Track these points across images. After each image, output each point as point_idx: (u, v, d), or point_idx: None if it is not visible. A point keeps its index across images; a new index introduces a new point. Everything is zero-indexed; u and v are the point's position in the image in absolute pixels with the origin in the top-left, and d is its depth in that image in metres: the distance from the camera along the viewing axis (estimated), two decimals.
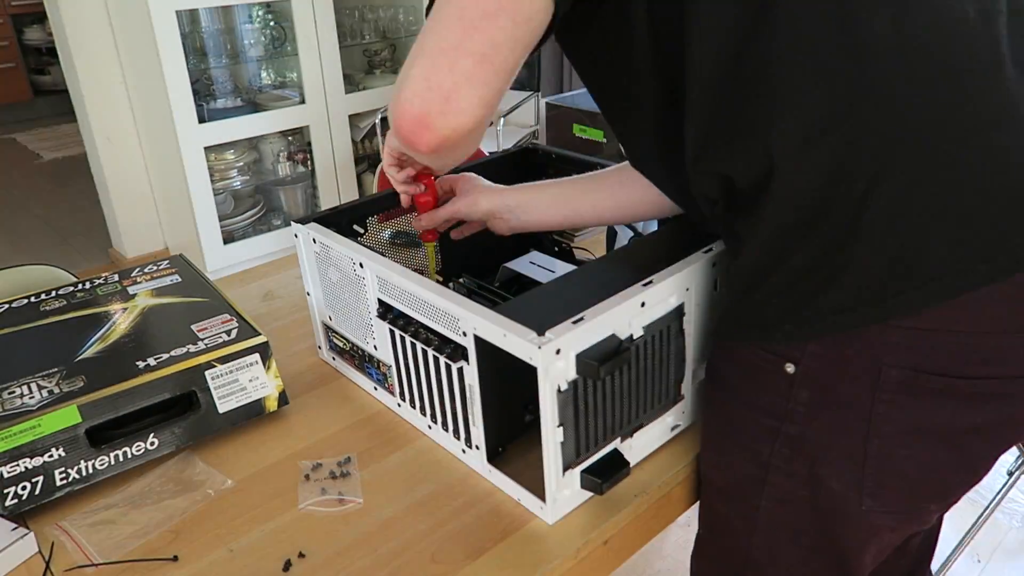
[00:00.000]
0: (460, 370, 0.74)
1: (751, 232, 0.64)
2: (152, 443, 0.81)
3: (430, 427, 0.84)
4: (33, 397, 0.78)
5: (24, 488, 0.75)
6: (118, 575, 0.69)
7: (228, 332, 0.89)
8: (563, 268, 0.96)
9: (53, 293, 1.00)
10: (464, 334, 0.71)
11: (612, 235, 1.02)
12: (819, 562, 0.72)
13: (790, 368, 0.64)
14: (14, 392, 0.79)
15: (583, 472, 0.72)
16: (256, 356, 0.87)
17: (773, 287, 0.63)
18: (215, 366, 0.85)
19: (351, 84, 3.19)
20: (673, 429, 0.81)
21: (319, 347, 1.01)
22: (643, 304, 0.71)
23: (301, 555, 0.70)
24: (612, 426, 0.73)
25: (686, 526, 1.80)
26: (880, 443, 0.63)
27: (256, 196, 3.19)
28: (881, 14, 0.56)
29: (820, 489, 0.67)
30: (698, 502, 0.82)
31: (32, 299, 0.99)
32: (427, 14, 0.61)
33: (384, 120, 3.05)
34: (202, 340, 0.88)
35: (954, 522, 1.79)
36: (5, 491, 0.74)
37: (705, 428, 0.79)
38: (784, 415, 0.66)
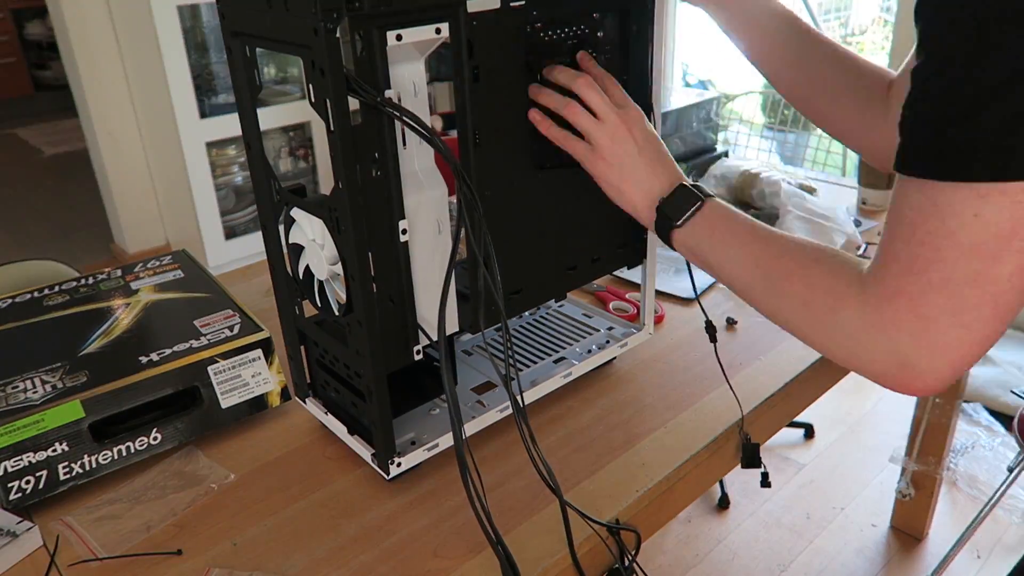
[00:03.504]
0: None
1: None
2: (155, 438, 0.82)
3: None
4: (36, 392, 0.78)
5: (28, 482, 0.75)
6: (122, 569, 0.70)
7: (231, 327, 0.89)
8: None
9: (56, 288, 1.00)
10: None
11: None
12: None
13: None
14: (17, 387, 0.79)
15: None
16: (259, 351, 0.88)
17: None
18: (218, 361, 0.85)
19: None
20: None
21: None
22: None
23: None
24: None
25: (686, 522, 1.81)
26: None
27: None
28: None
29: None
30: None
31: (35, 294, 0.99)
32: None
33: None
34: (205, 335, 0.88)
35: (954, 518, 1.80)
36: (9, 485, 0.74)
37: None
38: None
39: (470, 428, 0.79)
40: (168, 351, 0.85)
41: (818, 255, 0.60)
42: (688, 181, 0.70)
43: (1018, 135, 0.44)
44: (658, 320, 1.05)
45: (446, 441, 0.77)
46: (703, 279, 1.16)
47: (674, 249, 0.71)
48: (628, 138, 0.71)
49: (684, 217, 0.68)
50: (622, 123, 0.71)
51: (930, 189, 0.48)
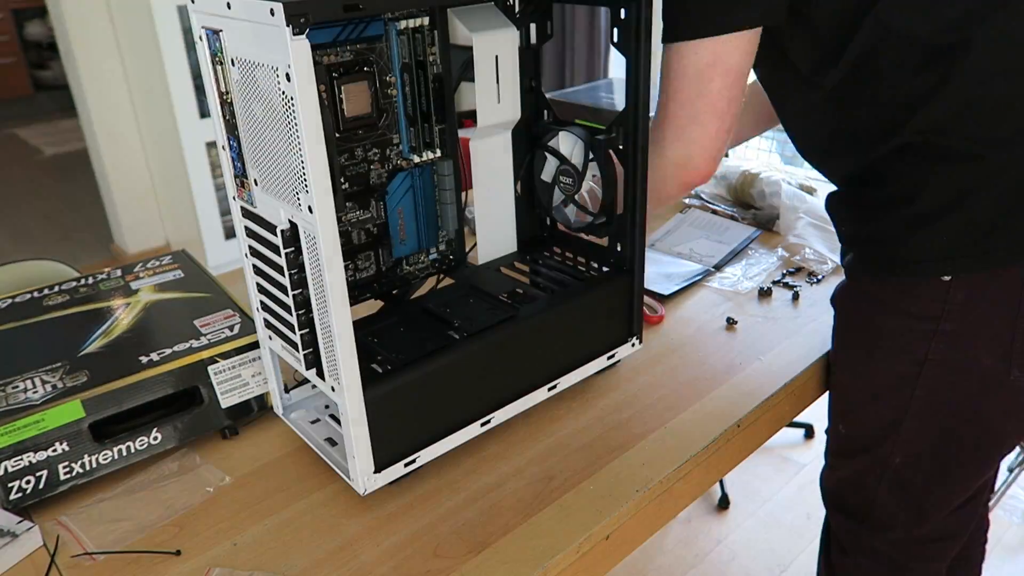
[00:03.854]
0: None
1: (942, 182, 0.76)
2: (155, 438, 0.82)
3: None
4: (37, 392, 0.78)
5: (28, 482, 0.75)
6: (121, 568, 0.70)
7: (231, 327, 0.89)
8: None
9: (56, 288, 1.00)
10: None
11: None
12: (969, 436, 0.85)
13: (946, 277, 0.77)
14: (18, 387, 0.79)
15: None
16: (259, 351, 0.87)
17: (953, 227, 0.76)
18: (218, 361, 0.85)
19: None
20: None
21: None
22: None
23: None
24: None
25: (687, 522, 1.81)
26: None
27: None
28: None
29: (973, 370, 0.80)
30: (829, 419, 0.97)
31: (35, 294, 0.99)
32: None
33: None
34: (205, 335, 0.88)
35: None
36: (9, 485, 0.74)
37: (847, 342, 0.91)
38: (941, 316, 0.79)
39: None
40: (168, 351, 0.85)
41: None
42: None
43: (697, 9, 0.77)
44: (658, 321, 1.05)
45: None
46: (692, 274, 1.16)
47: None
48: None
49: None
50: None
51: (670, 50, 0.80)
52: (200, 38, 0.68)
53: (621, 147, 0.83)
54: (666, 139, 0.83)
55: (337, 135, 0.75)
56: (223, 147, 0.73)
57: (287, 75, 0.57)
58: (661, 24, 0.79)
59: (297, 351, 0.71)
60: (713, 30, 0.76)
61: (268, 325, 0.77)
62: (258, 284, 0.75)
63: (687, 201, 1.41)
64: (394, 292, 0.87)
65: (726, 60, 0.78)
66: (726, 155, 1.52)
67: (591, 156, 0.86)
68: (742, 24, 0.77)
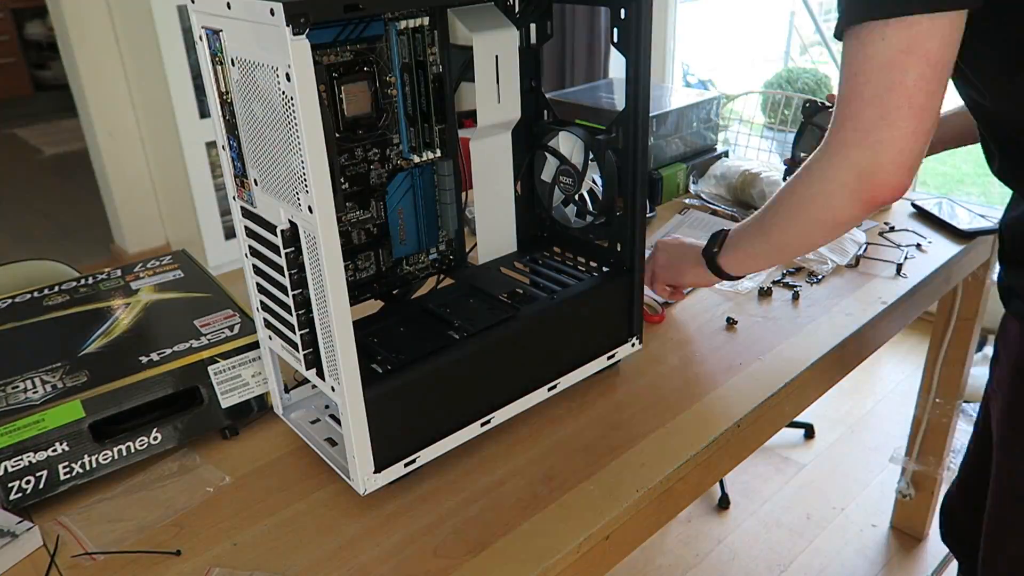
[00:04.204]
0: None
1: None
2: (155, 438, 0.82)
3: None
4: (37, 392, 0.78)
5: (28, 482, 0.75)
6: (121, 568, 0.70)
7: (231, 327, 0.89)
8: None
9: (56, 288, 1.00)
10: None
11: None
12: None
13: None
14: (18, 387, 0.79)
15: None
16: (259, 351, 0.87)
17: None
18: (218, 361, 0.85)
19: None
20: None
21: None
22: None
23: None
24: None
25: (687, 522, 1.81)
26: None
27: None
28: None
29: None
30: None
31: (35, 294, 0.99)
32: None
33: None
34: (205, 335, 0.88)
35: None
36: (9, 485, 0.74)
37: None
38: None
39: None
40: (168, 351, 0.85)
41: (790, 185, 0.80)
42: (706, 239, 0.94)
43: None
44: (659, 320, 1.05)
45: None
46: None
47: (731, 274, 0.93)
48: (666, 267, 1.03)
49: (718, 245, 0.92)
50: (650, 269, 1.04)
51: (855, 32, 0.67)
52: (200, 38, 0.68)
53: (621, 147, 0.83)
54: (846, 145, 0.69)
55: (337, 135, 0.75)
56: (223, 147, 0.73)
57: (287, 75, 0.57)
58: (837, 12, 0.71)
59: (297, 351, 0.71)
60: (912, 8, 0.63)
61: (268, 325, 0.77)
62: (258, 284, 0.75)
63: (687, 201, 1.41)
64: (394, 292, 0.87)
65: (923, 45, 0.64)
66: (725, 153, 1.52)
67: (591, 156, 0.86)
68: (947, 4, 0.64)
